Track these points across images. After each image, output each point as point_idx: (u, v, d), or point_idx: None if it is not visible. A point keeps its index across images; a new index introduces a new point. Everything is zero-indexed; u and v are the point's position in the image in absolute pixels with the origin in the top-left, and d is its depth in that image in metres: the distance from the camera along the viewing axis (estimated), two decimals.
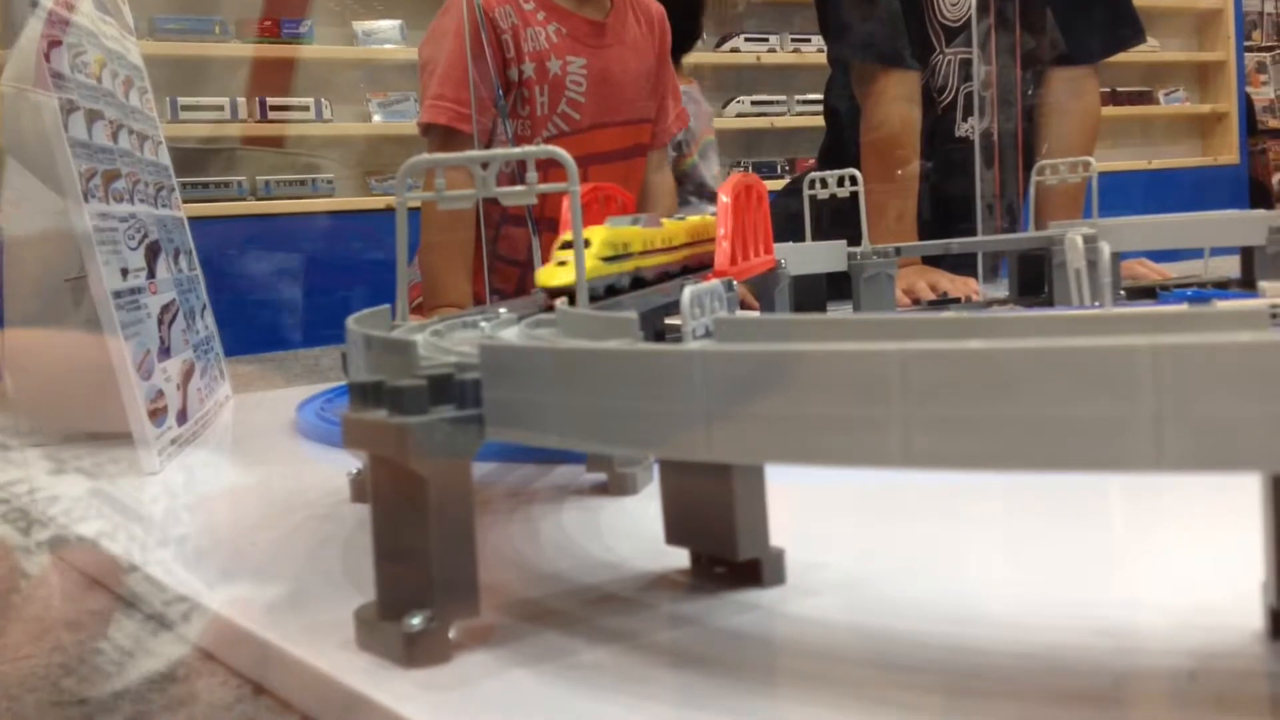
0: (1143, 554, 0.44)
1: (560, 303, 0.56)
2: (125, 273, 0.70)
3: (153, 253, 0.78)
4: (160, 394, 0.71)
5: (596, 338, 0.40)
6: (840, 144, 1.70)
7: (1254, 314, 0.31)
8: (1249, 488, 0.32)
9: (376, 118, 2.99)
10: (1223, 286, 1.16)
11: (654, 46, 1.60)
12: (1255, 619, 0.33)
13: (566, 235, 0.60)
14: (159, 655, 0.42)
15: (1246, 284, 1.10)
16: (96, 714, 0.37)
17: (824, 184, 1.13)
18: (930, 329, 0.34)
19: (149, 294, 0.74)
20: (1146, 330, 0.29)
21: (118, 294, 0.68)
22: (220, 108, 2.79)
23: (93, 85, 0.74)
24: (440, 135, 1.44)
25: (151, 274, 0.76)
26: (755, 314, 0.96)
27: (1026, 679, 0.31)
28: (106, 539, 0.54)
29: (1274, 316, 0.52)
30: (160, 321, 0.75)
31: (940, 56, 1.62)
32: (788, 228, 1.08)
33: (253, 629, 0.40)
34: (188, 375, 0.79)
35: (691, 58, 3.32)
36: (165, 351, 0.75)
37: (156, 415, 0.69)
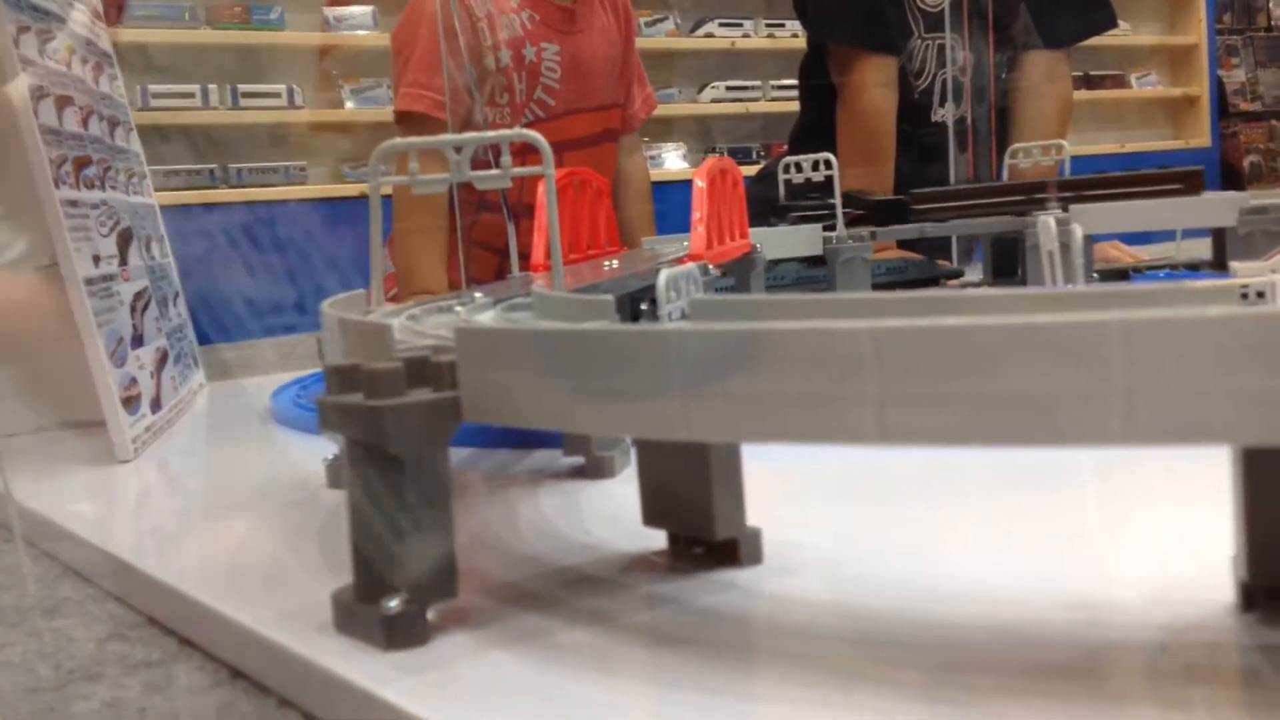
0: (1116, 530, 0.45)
1: (537, 285, 0.56)
2: (97, 260, 0.70)
3: (124, 240, 0.77)
4: (133, 381, 0.71)
5: (573, 320, 0.40)
6: (814, 126, 1.71)
7: (1223, 290, 0.31)
8: (1220, 462, 0.32)
9: (349, 104, 2.97)
10: (1194, 268, 1.16)
11: (621, 31, 1.61)
12: (1226, 592, 0.33)
13: None
14: (133, 639, 0.42)
15: (1218, 265, 1.10)
16: (74, 700, 0.37)
17: (799, 168, 1.13)
18: (904, 307, 0.35)
19: (121, 281, 0.74)
20: (1118, 306, 0.29)
21: (90, 281, 0.67)
22: (191, 94, 2.77)
23: (62, 71, 0.74)
24: (416, 123, 1.43)
25: (123, 261, 0.76)
26: (731, 295, 0.96)
27: (1002, 653, 0.32)
28: (79, 525, 0.54)
29: (1243, 296, 0.52)
30: (133, 309, 0.75)
31: (919, 41, 1.62)
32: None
33: (229, 614, 0.39)
34: (161, 363, 0.78)
35: (665, 42, 3.33)
36: (138, 339, 0.74)
37: (130, 403, 0.69)
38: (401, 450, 0.34)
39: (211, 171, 2.78)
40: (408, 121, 1.45)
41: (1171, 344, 0.25)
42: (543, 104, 1.50)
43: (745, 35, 3.47)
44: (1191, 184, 1.06)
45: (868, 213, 1.04)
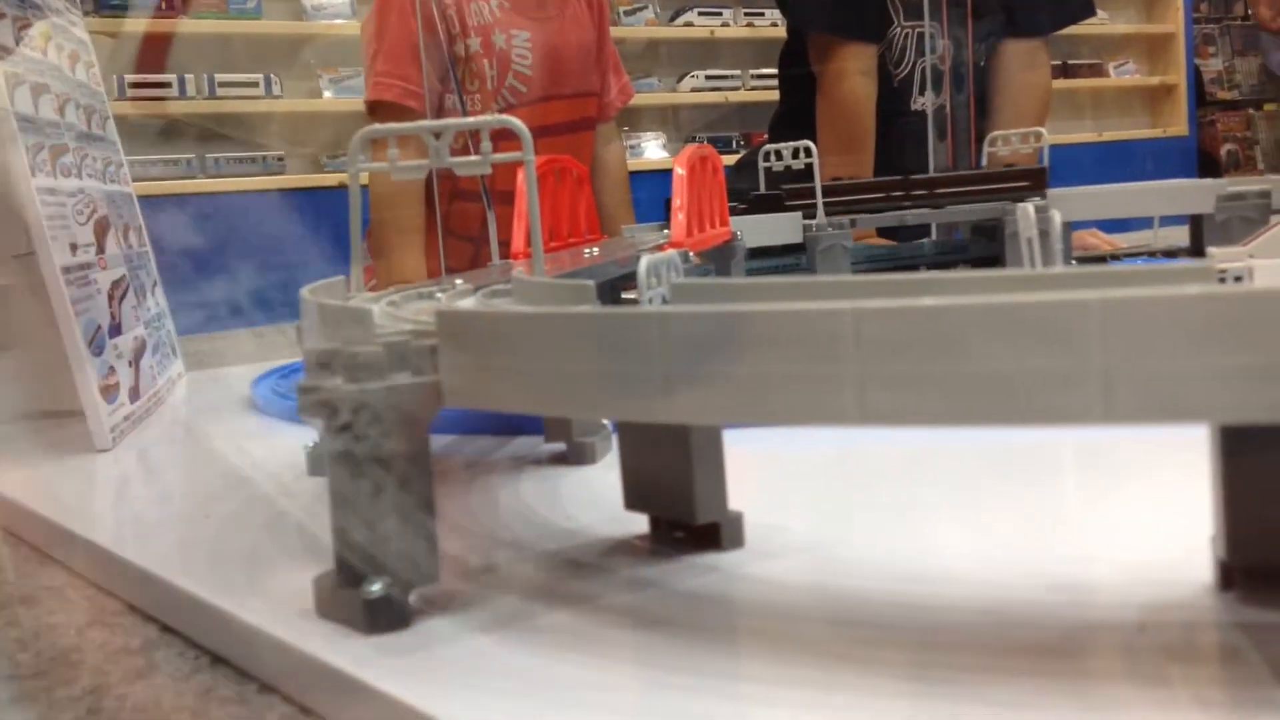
0: (1096, 512, 0.45)
1: (518, 271, 0.56)
2: (74, 248, 0.69)
3: (102, 228, 0.77)
4: (112, 370, 0.70)
5: (554, 305, 0.40)
6: (793, 114, 1.71)
7: (1201, 271, 0.31)
8: (1198, 442, 0.33)
9: (328, 94, 2.96)
10: (1172, 255, 1.17)
11: (594, 20, 1.60)
12: (1204, 572, 0.34)
13: None
14: (113, 627, 0.42)
15: (1196, 252, 1.11)
16: (55, 688, 0.37)
17: (779, 156, 1.13)
18: (884, 288, 0.35)
19: (99, 269, 0.73)
20: (1096, 286, 0.29)
21: (67, 270, 0.67)
22: (168, 84, 2.75)
23: (39, 59, 0.73)
24: (388, 112, 1.43)
25: (101, 249, 0.75)
26: (711, 279, 0.96)
27: (983, 634, 0.32)
28: (58, 514, 0.53)
29: (1221, 281, 0.53)
30: (110, 297, 0.74)
31: (898, 30, 1.63)
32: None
33: (210, 600, 0.39)
34: (139, 352, 0.78)
35: (645, 31, 3.33)
36: (116, 328, 0.74)
37: (108, 392, 0.69)
38: (382, 434, 0.34)
39: (189, 161, 2.76)
40: (379, 110, 1.45)
41: (1149, 323, 0.25)
42: (514, 91, 1.50)
43: (724, 24, 3.47)
44: (1036, 182, 1.08)
45: (750, 206, 1.03)
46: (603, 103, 1.63)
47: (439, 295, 0.53)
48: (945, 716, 0.27)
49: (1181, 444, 0.33)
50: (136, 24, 2.74)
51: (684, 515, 0.40)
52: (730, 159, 1.78)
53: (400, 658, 0.33)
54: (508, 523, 0.47)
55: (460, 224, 1.52)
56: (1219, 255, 0.58)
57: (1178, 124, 4.12)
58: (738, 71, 3.46)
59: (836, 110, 1.58)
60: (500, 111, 1.47)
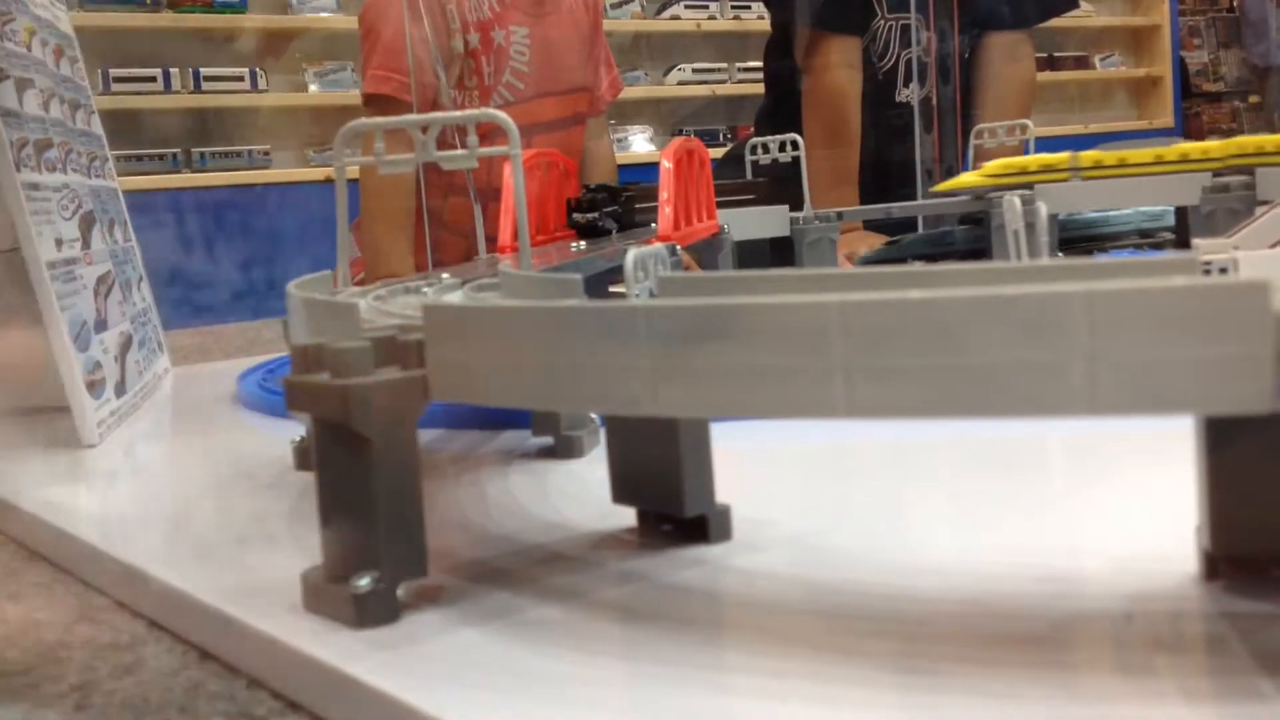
0: (1082, 503, 0.45)
1: (504, 265, 0.56)
2: (60, 243, 0.69)
3: (87, 223, 0.76)
4: (98, 366, 0.70)
5: (541, 299, 0.40)
6: (779, 107, 1.71)
7: (1185, 263, 0.31)
8: (1183, 434, 0.33)
9: (313, 88, 2.95)
10: (1158, 247, 1.17)
11: (588, 15, 1.60)
12: (1190, 563, 0.34)
13: None
14: (100, 623, 0.42)
15: (1181, 244, 1.11)
16: (42, 683, 0.37)
17: (766, 149, 1.13)
18: (870, 281, 0.35)
19: (84, 265, 0.73)
20: (1081, 278, 0.29)
21: (52, 265, 0.67)
22: (153, 79, 2.74)
23: (22, 53, 0.73)
24: (384, 106, 1.43)
25: (86, 245, 0.75)
26: (698, 272, 0.96)
27: (970, 625, 0.32)
28: (44, 510, 0.53)
29: (1206, 272, 0.53)
30: (96, 293, 0.74)
31: (881, 22, 1.63)
32: None
33: (198, 595, 0.39)
34: (125, 347, 0.78)
35: (632, 24, 3.33)
36: (102, 323, 0.73)
37: (94, 387, 0.68)
38: (369, 429, 0.34)
39: (174, 156, 2.75)
40: (376, 104, 1.44)
41: (1134, 315, 0.25)
42: (511, 87, 1.49)
43: (711, 18, 3.47)
44: (760, 194, 1.09)
45: (620, 207, 1.01)
46: (593, 97, 1.63)
47: (426, 290, 0.53)
48: (932, 707, 0.27)
49: (1167, 435, 0.34)
50: (121, 18, 2.73)
51: (672, 508, 0.40)
52: (717, 152, 1.78)
53: (388, 652, 0.33)
54: (495, 517, 0.47)
55: (455, 218, 1.52)
56: (1204, 247, 0.58)
57: (1163, 116, 4.13)
58: (724, 65, 3.46)
59: (822, 103, 1.59)
60: (498, 109, 1.46)
